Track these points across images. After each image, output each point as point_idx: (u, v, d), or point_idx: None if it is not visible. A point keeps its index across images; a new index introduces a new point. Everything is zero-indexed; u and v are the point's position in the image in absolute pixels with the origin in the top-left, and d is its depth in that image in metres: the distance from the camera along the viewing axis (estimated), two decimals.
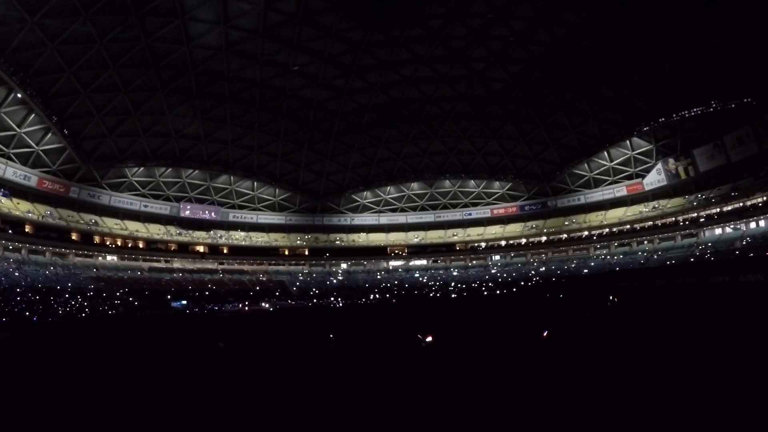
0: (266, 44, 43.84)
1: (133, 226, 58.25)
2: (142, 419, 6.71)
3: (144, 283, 54.52)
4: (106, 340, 18.71)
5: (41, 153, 46.54)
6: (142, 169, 56.46)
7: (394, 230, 70.55)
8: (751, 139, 43.40)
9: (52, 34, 35.76)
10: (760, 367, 7.11)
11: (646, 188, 55.49)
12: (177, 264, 61.36)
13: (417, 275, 65.91)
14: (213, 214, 63.85)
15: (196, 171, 60.10)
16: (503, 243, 65.70)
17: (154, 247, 60.30)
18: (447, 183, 67.27)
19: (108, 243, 55.85)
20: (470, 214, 68.61)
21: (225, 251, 65.00)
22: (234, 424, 6.26)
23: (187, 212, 61.99)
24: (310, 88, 51.31)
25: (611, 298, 21.55)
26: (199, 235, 63.20)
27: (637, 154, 54.95)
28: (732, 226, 46.67)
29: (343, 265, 69.65)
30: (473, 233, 67.77)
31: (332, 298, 54.45)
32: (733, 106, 42.38)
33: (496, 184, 65.86)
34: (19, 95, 39.50)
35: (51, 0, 32.88)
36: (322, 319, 27.65)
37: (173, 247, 61.70)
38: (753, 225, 44.66)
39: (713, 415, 5.35)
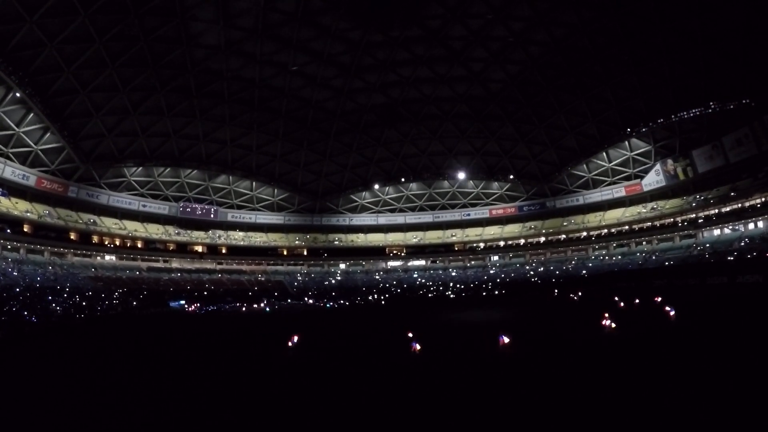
0: (265, 44, 43.82)
1: (132, 226, 58.16)
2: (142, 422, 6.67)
3: (142, 282, 54.43)
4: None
5: (40, 152, 46.43)
6: (140, 168, 56.34)
7: (392, 231, 70.53)
8: (750, 140, 43.51)
9: (51, 33, 35.66)
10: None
11: (645, 189, 55.55)
12: (175, 264, 61.27)
13: (415, 275, 65.88)
14: (211, 214, 63.73)
15: (195, 171, 60.04)
16: (502, 243, 65.71)
17: (152, 247, 60.18)
18: (446, 183, 67.27)
19: (106, 243, 55.75)
20: (469, 215, 68.63)
21: (223, 251, 64.92)
22: None
23: (186, 212, 61.91)
24: (309, 88, 51.28)
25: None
26: (198, 235, 63.13)
27: (636, 155, 55.03)
28: (730, 227, 46.75)
29: (342, 266, 69.61)
30: (472, 234, 67.79)
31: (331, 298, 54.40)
32: (731, 107, 42.47)
33: (495, 184, 65.90)
34: (17, 94, 39.36)
35: None
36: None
37: (172, 247, 61.59)
38: (751, 226, 44.77)
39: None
